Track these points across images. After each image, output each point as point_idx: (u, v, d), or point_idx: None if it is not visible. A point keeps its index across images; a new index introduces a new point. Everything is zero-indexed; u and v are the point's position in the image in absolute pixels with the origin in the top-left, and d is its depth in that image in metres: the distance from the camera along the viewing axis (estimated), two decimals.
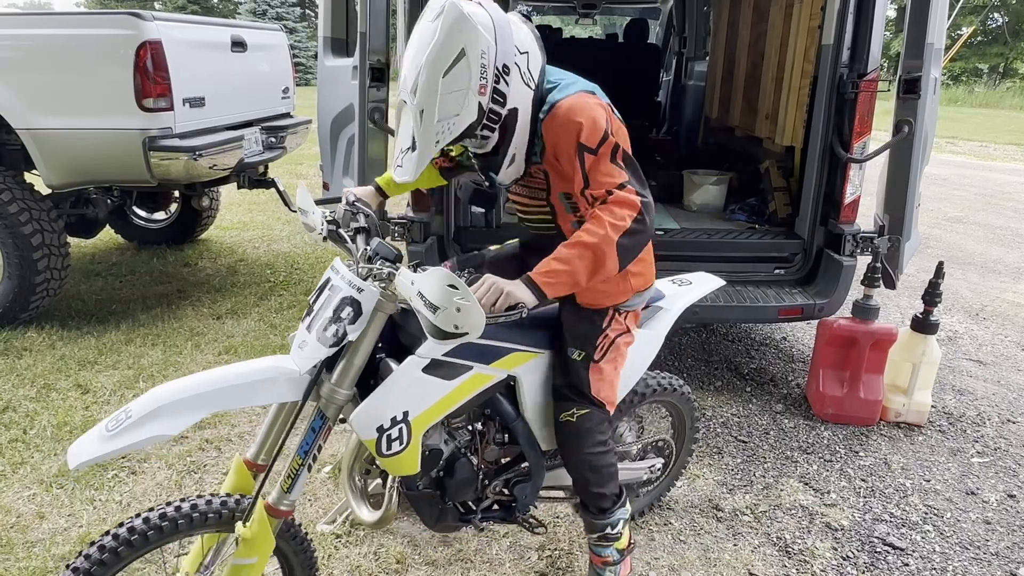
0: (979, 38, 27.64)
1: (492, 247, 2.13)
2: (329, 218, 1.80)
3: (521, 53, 1.61)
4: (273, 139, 4.98)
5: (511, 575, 2.27)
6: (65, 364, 3.60)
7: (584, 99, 1.64)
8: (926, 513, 2.66)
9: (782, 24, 4.17)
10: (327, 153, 3.91)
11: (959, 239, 6.86)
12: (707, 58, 6.28)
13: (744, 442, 3.10)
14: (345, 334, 1.54)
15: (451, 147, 2.04)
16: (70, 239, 5.16)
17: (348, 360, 1.59)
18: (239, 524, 1.57)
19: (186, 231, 5.83)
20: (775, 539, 2.49)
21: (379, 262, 1.59)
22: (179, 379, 1.54)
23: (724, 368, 3.86)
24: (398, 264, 1.57)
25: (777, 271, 3.58)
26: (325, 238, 1.79)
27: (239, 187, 4.87)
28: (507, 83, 1.57)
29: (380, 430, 1.59)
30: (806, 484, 2.81)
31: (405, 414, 1.61)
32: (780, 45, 4.20)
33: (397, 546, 2.35)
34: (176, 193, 5.51)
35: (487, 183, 1.75)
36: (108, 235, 5.80)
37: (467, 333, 1.36)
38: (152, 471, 2.74)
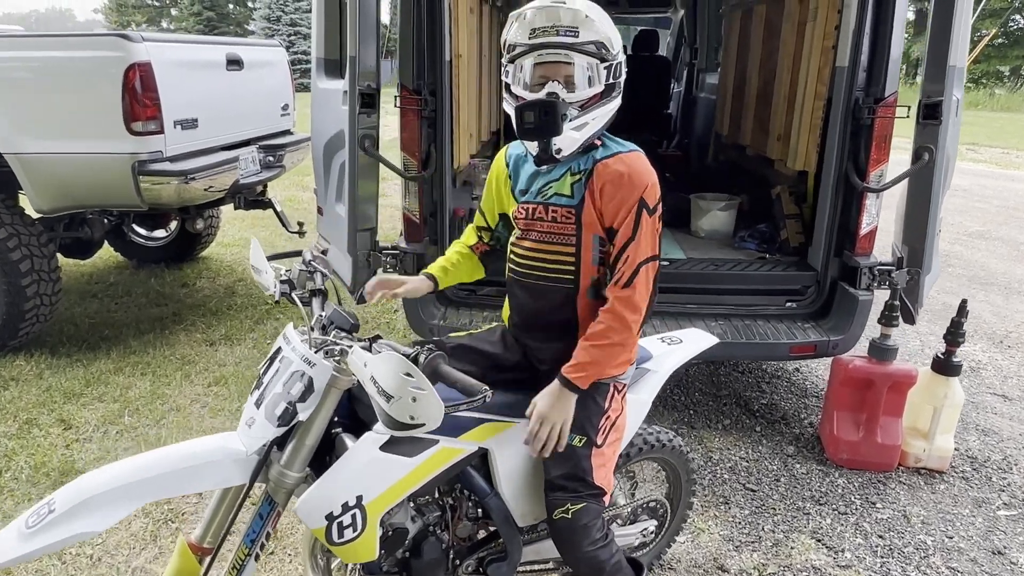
0: (1000, 40, 27.13)
1: (477, 331, 1.96)
2: (283, 278, 1.64)
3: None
4: (271, 158, 4.87)
5: None
6: (50, 396, 3.50)
7: (645, 160, 1.69)
8: None
9: (794, 43, 3.98)
10: (321, 177, 3.78)
11: (982, 256, 6.62)
12: (719, 69, 6.09)
13: (753, 491, 2.93)
14: (296, 412, 1.42)
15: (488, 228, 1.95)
16: (67, 259, 5.09)
17: (299, 440, 1.46)
18: None
19: (186, 249, 5.72)
20: None
21: (334, 333, 1.45)
22: (115, 463, 1.40)
23: (733, 404, 3.68)
24: (354, 335, 1.44)
25: (789, 304, 3.40)
26: (277, 300, 1.66)
27: (235, 208, 4.77)
28: (619, 77, 1.68)
29: (330, 517, 1.44)
30: (819, 541, 2.63)
31: (359, 499, 1.45)
32: (792, 64, 4.01)
33: None
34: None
35: (541, 152, 1.65)
36: (107, 252, 5.70)
37: (423, 424, 1.24)
38: (127, 520, 2.61)
